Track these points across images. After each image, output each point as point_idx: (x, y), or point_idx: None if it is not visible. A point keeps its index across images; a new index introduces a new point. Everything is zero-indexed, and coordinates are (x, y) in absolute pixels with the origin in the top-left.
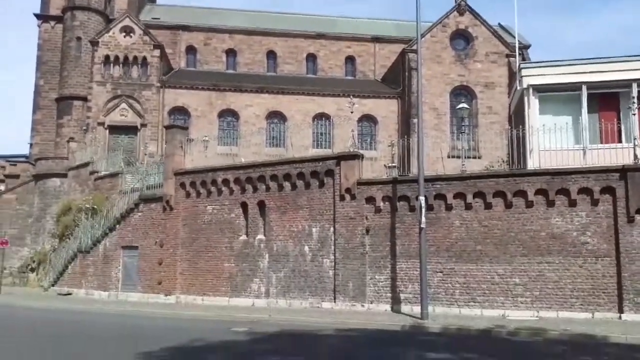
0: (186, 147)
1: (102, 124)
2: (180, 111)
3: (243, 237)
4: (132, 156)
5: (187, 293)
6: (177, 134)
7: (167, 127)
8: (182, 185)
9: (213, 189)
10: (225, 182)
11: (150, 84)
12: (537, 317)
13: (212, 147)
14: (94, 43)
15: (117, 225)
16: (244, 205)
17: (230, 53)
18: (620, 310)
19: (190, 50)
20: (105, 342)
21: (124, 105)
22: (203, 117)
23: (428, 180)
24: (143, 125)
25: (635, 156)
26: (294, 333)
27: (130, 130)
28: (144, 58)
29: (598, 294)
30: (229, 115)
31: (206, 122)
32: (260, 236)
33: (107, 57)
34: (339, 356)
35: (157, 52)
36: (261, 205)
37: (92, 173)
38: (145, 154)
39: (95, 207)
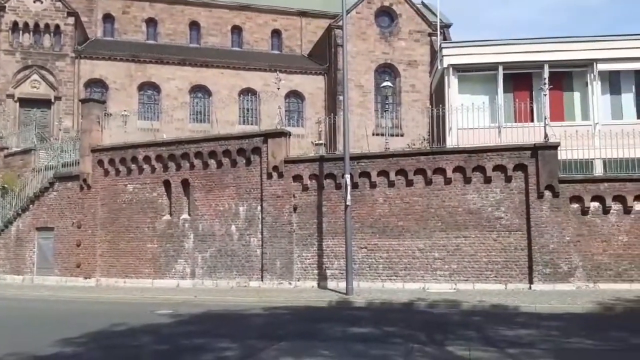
0: (104, 122)
1: (11, 96)
2: (97, 83)
3: (166, 217)
4: (45, 131)
5: (108, 276)
6: (93, 108)
7: (83, 101)
8: (100, 162)
9: (133, 166)
10: (147, 159)
11: (64, 54)
12: (455, 289)
13: (132, 122)
14: (1, 8)
15: (31, 206)
16: (167, 184)
17: (151, 23)
18: (531, 281)
19: (108, 18)
20: (20, 329)
21: (35, 76)
22: (122, 90)
23: (353, 158)
24: (57, 98)
25: (546, 135)
26: (220, 313)
27: (43, 103)
28: (57, 26)
29: (511, 267)
30: (150, 88)
31: (125, 95)
32: (185, 216)
33: (15, 23)
34: (264, 333)
35: (71, 20)
36: (185, 183)
37: (1, 149)
38: (60, 129)
39: (5, 186)
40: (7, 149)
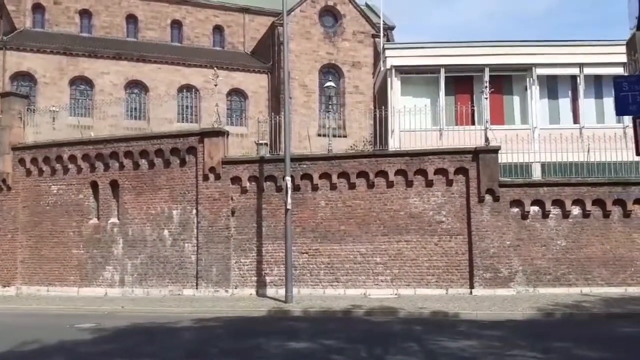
0: (27, 117)
1: None
2: (25, 77)
3: (93, 221)
4: None
5: (30, 283)
6: (14, 103)
7: (3, 95)
8: (22, 161)
9: (58, 166)
10: (72, 158)
11: None
12: (396, 294)
13: (63, 118)
14: None
15: None
16: (94, 185)
17: (85, 14)
18: (471, 286)
19: (38, 8)
20: None
21: None
22: (52, 85)
23: (295, 159)
24: None
25: (487, 138)
26: (147, 327)
27: None
28: None
29: (452, 271)
30: (82, 83)
31: (56, 90)
32: (114, 219)
33: None
34: (193, 352)
35: None
36: (114, 185)
37: None
38: None
39: None
40: None
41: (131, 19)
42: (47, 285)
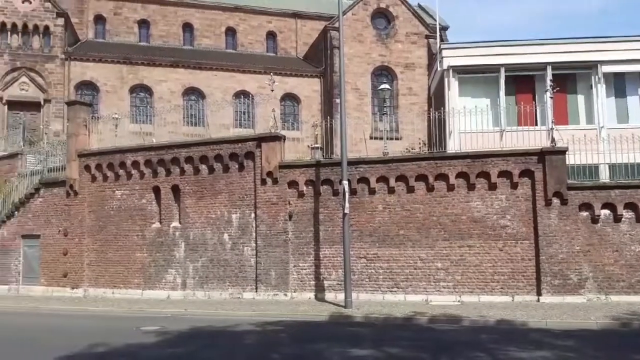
0: (91, 125)
1: None
2: (88, 86)
3: (156, 225)
4: (35, 135)
5: (96, 286)
6: (80, 111)
7: (69, 104)
8: (87, 168)
9: (122, 172)
10: (135, 164)
11: (53, 56)
12: (459, 301)
13: (124, 125)
14: None
15: (16, 212)
16: (157, 190)
17: (143, 24)
18: (539, 293)
19: (99, 20)
20: None
21: (24, 78)
22: (113, 93)
23: (351, 163)
24: (47, 100)
25: (553, 139)
26: (209, 331)
27: (32, 106)
28: (46, 27)
29: (517, 278)
30: (142, 90)
31: (117, 98)
32: (175, 223)
33: (3, 24)
34: (251, 358)
35: (60, 21)
36: (175, 190)
37: None
38: (46, 133)
39: None
40: None
41: (187, 27)
42: (113, 288)
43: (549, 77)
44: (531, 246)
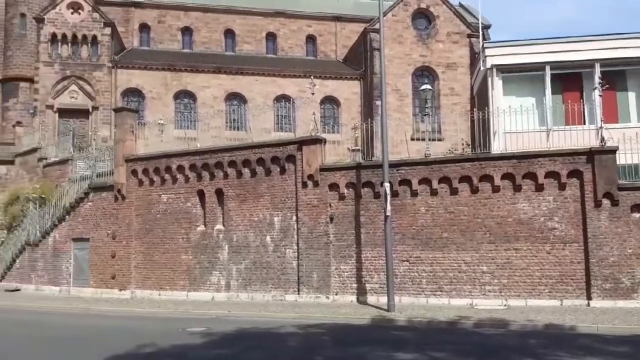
0: (138, 131)
1: (50, 106)
2: (134, 93)
3: (201, 228)
4: (84, 141)
5: (143, 287)
6: (127, 118)
7: (116, 110)
8: (134, 172)
9: (167, 176)
10: (180, 168)
11: (101, 64)
12: (505, 305)
13: (169, 130)
14: (39, 20)
15: (67, 216)
16: (201, 194)
17: (186, 31)
18: (589, 297)
19: (144, 28)
20: (38, 348)
21: (73, 87)
22: (158, 99)
23: (393, 165)
24: (95, 108)
25: (602, 138)
26: (253, 332)
27: (81, 113)
28: (94, 37)
29: (566, 281)
30: (185, 96)
31: (162, 104)
32: (219, 226)
33: (54, 35)
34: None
35: (107, 30)
36: (219, 193)
37: (40, 160)
38: (94, 139)
39: (43, 196)
40: (46, 159)
41: (229, 33)
42: (159, 289)
43: (598, 74)
44: (580, 249)
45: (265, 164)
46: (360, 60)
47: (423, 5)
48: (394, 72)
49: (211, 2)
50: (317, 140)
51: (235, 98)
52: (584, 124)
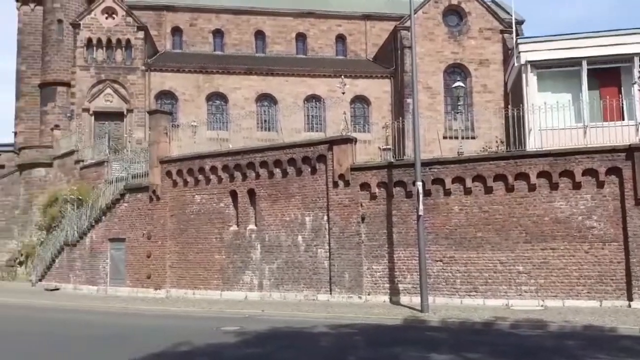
0: (172, 132)
1: (87, 110)
2: (167, 95)
3: (233, 228)
4: (119, 143)
5: (178, 287)
6: (161, 120)
7: (151, 113)
8: (168, 173)
9: (201, 177)
10: (213, 169)
11: (135, 68)
12: (542, 306)
13: (201, 132)
14: (76, 25)
15: (103, 217)
16: (234, 194)
17: (217, 34)
18: (630, 298)
19: (176, 31)
20: (79, 346)
21: (108, 90)
22: (191, 101)
23: (425, 164)
24: (129, 110)
25: None
26: (286, 332)
27: (116, 116)
28: (128, 40)
29: (606, 281)
30: (217, 98)
31: (194, 106)
32: (252, 226)
33: (89, 40)
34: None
35: (141, 34)
36: (251, 193)
37: (77, 162)
38: (129, 141)
39: (80, 197)
40: (83, 161)
41: (259, 35)
42: (193, 289)
43: (637, 68)
44: (620, 248)
45: (296, 164)
46: (390, 59)
47: (454, 2)
48: (425, 69)
49: (242, 4)
50: (347, 140)
51: (265, 99)
52: (623, 119)
